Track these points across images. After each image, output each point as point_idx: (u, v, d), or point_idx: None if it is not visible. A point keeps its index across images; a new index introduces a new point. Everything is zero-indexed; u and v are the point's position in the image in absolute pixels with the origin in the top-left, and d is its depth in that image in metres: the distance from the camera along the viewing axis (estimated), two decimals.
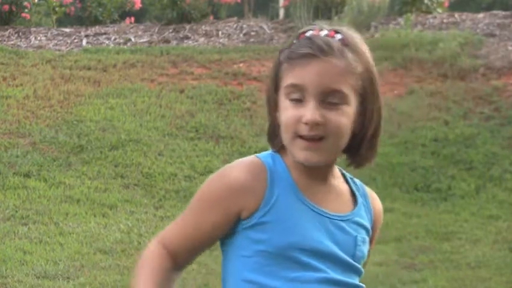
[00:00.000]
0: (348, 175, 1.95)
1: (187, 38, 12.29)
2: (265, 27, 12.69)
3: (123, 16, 14.05)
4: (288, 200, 1.81)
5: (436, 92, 10.39)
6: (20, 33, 12.55)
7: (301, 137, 1.79)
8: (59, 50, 11.80)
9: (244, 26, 12.84)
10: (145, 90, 10.40)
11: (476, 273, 6.51)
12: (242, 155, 9.00)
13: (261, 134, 9.52)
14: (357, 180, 1.96)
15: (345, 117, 1.80)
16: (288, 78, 1.81)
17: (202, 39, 12.27)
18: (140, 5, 14.07)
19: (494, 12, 13.12)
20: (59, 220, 7.31)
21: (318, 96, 1.78)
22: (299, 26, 12.19)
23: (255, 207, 1.79)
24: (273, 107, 1.87)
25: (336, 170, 1.90)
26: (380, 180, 8.75)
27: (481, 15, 12.87)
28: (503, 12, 12.89)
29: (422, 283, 6.25)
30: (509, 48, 11.38)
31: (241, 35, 12.50)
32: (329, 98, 1.79)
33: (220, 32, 12.56)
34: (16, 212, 7.44)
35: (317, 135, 1.78)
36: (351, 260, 1.85)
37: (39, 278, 5.94)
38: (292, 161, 1.83)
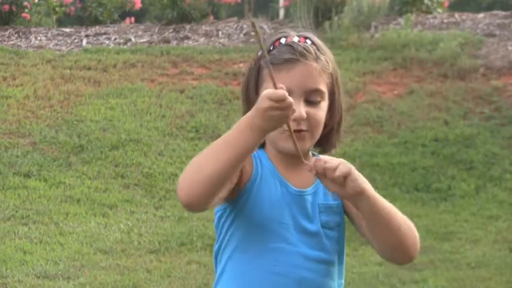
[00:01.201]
0: (316, 154, 2.16)
1: (187, 38, 12.29)
2: (265, 27, 12.69)
3: (123, 16, 14.06)
4: (269, 181, 2.05)
5: (436, 92, 10.40)
6: (20, 33, 12.55)
7: (287, 130, 1.97)
8: (59, 50, 11.80)
9: (244, 26, 12.84)
10: (145, 90, 10.40)
11: (476, 273, 6.51)
12: None
13: None
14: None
15: (323, 112, 2.06)
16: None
17: (202, 39, 12.27)
18: (140, 5, 14.07)
19: (494, 12, 13.12)
20: (59, 220, 7.31)
21: (303, 96, 2.02)
22: (299, 26, 12.19)
23: (247, 176, 2.02)
24: (251, 104, 1.98)
25: (309, 155, 2.12)
26: (380, 180, 8.75)
27: (481, 15, 12.88)
28: (503, 12, 12.90)
29: (422, 283, 6.25)
30: (509, 48, 11.38)
31: (241, 35, 12.50)
32: (311, 97, 2.03)
33: (220, 32, 12.56)
34: (16, 212, 7.44)
35: (302, 129, 2.02)
36: (320, 228, 2.06)
37: (39, 278, 5.95)
38: (271, 152, 2.08)
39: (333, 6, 12.13)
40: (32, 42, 12.19)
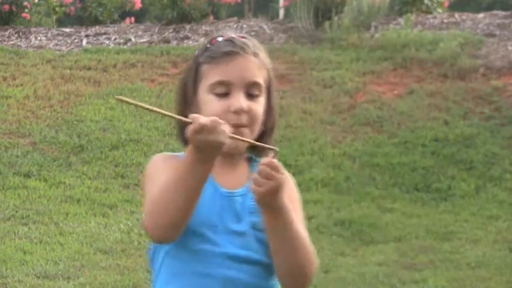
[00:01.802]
0: (254, 158, 2.15)
1: (187, 38, 12.29)
2: (265, 27, 12.69)
3: (123, 16, 14.05)
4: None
5: (436, 92, 10.39)
6: (20, 33, 12.55)
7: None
8: (59, 50, 11.80)
9: (244, 26, 12.84)
10: (145, 90, 10.40)
11: (476, 273, 6.51)
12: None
13: None
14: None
15: (261, 107, 2.07)
16: (213, 76, 2.04)
17: (202, 39, 12.26)
18: (140, 5, 14.06)
19: (494, 12, 13.12)
20: (59, 220, 7.31)
21: (243, 89, 2.04)
22: (299, 26, 12.20)
23: None
24: (188, 104, 2.08)
25: (244, 156, 2.12)
26: (380, 180, 8.75)
27: (481, 15, 12.87)
28: (503, 12, 12.89)
29: (422, 283, 6.25)
30: (509, 48, 11.38)
31: None
32: (251, 90, 2.05)
33: (220, 32, 12.56)
34: (16, 212, 7.44)
35: (243, 123, 2.02)
36: (249, 229, 2.03)
37: (39, 278, 5.95)
38: None
39: (333, 6, 12.12)
40: (32, 42, 12.19)
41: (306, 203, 8.36)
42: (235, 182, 2.06)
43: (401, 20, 12.39)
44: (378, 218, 7.84)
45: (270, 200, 1.92)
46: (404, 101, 10.24)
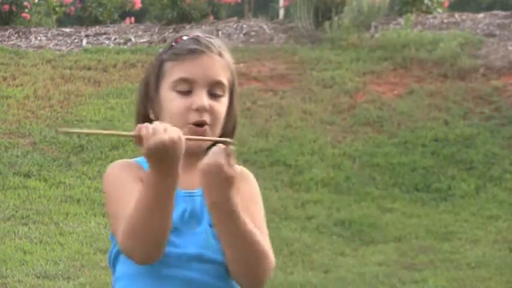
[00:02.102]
0: None
1: None
2: (265, 27, 12.69)
3: (123, 16, 14.05)
4: None
5: (436, 92, 10.39)
6: (20, 33, 12.55)
7: (189, 124, 2.00)
8: (59, 50, 11.80)
9: (244, 26, 12.84)
10: None
11: (476, 273, 6.51)
12: (242, 155, 9.00)
13: (261, 134, 9.53)
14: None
15: (223, 107, 2.05)
16: (176, 73, 2.02)
17: None
18: (140, 5, 14.06)
19: (494, 12, 13.12)
20: (59, 220, 7.31)
21: (206, 87, 2.02)
22: (299, 26, 12.20)
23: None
24: (150, 102, 2.07)
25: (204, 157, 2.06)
26: (380, 180, 8.75)
27: (481, 15, 12.87)
28: (503, 12, 12.89)
29: (422, 283, 6.25)
30: (509, 48, 11.38)
31: (241, 35, 12.51)
32: (214, 89, 2.03)
33: (220, 32, 12.56)
34: (16, 212, 7.44)
35: (205, 122, 2.00)
36: (209, 229, 1.99)
37: (39, 278, 5.95)
38: None
39: (333, 6, 12.12)
40: (32, 42, 12.19)
41: (306, 203, 8.42)
42: (195, 181, 2.00)
43: (401, 20, 12.39)
44: (378, 218, 7.84)
45: (218, 199, 1.88)
46: (404, 101, 10.24)
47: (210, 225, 2.00)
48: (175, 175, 1.86)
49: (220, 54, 2.05)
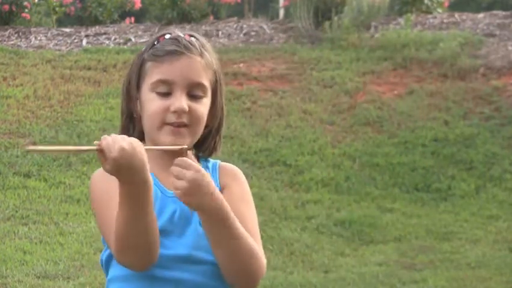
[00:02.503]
0: (203, 159, 2.13)
1: None
2: (265, 27, 12.69)
3: (123, 16, 14.05)
4: None
5: (436, 92, 10.39)
6: (20, 33, 12.55)
7: (167, 124, 2.00)
8: (59, 50, 11.80)
9: (244, 26, 12.84)
10: None
11: (476, 273, 6.51)
12: (242, 155, 9.00)
13: (261, 134, 9.53)
14: (212, 162, 2.14)
15: (205, 108, 2.04)
16: (156, 74, 2.02)
17: None
18: (140, 5, 14.06)
19: (494, 12, 13.12)
20: (59, 220, 7.31)
21: (185, 89, 2.01)
22: (299, 26, 12.20)
23: None
24: (132, 101, 2.07)
25: (190, 156, 2.06)
26: (380, 180, 8.75)
27: (481, 15, 12.87)
28: (503, 12, 12.89)
29: (422, 283, 6.25)
30: (509, 48, 11.38)
31: (241, 35, 12.51)
32: (194, 91, 2.02)
33: (220, 32, 12.56)
34: (16, 212, 7.44)
35: (183, 123, 2.00)
36: (199, 228, 1.98)
37: (39, 278, 5.95)
38: (151, 154, 1.98)
39: (333, 6, 12.12)
40: (32, 42, 12.19)
41: (306, 203, 8.42)
42: None
43: (401, 20, 12.39)
44: (378, 218, 7.84)
45: (196, 203, 1.88)
46: (404, 101, 10.24)
47: (201, 225, 2.00)
48: (145, 180, 1.85)
49: (201, 55, 2.03)
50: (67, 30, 12.83)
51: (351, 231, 7.58)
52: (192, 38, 2.06)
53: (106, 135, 1.87)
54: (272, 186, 8.47)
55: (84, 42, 12.25)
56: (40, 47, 11.98)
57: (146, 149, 1.90)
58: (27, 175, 8.32)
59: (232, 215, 1.93)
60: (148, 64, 2.04)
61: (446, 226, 7.73)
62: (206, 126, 2.07)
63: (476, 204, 8.33)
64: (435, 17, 12.79)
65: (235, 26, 12.84)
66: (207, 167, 2.10)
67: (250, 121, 9.77)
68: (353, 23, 11.81)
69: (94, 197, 2.06)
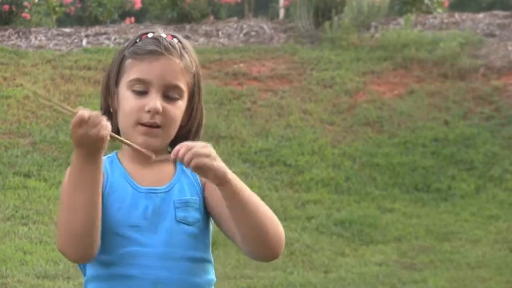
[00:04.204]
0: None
1: (187, 38, 12.29)
2: (265, 27, 12.69)
3: (123, 16, 14.05)
4: (120, 182, 2.03)
5: (436, 92, 10.40)
6: (20, 33, 12.55)
7: (141, 124, 2.02)
8: (59, 50, 11.80)
9: (244, 26, 12.84)
10: None
11: (476, 273, 6.51)
12: (242, 155, 9.00)
13: (261, 134, 9.53)
14: None
15: (179, 110, 2.05)
16: (133, 73, 2.04)
17: (202, 39, 12.27)
18: (140, 5, 14.06)
19: (494, 12, 13.12)
20: None
21: (161, 90, 2.02)
22: (299, 26, 12.20)
23: (102, 188, 2.00)
24: (111, 96, 2.09)
25: (166, 155, 2.04)
26: (380, 180, 8.75)
27: (481, 15, 12.87)
28: (503, 12, 12.89)
29: (422, 283, 6.25)
30: (509, 48, 11.38)
31: (241, 35, 12.51)
32: (170, 92, 2.03)
33: (220, 32, 12.56)
34: (16, 212, 7.44)
35: (156, 123, 2.01)
36: (176, 224, 2.00)
37: (39, 278, 5.95)
38: (126, 151, 2.07)
39: (333, 6, 12.12)
40: (32, 42, 12.19)
41: (306, 203, 8.41)
42: (158, 179, 2.04)
43: (401, 20, 12.39)
44: (378, 218, 7.84)
45: (223, 169, 1.90)
46: (404, 101, 10.24)
47: (179, 222, 2.01)
48: (95, 165, 1.89)
49: (180, 57, 2.05)
50: (67, 30, 12.83)
51: (351, 231, 7.58)
52: (174, 40, 2.09)
53: (92, 112, 1.89)
54: (272, 186, 8.47)
55: (84, 42, 12.25)
56: (40, 47, 11.98)
57: (117, 139, 1.96)
58: (27, 175, 8.32)
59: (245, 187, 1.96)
60: (128, 61, 2.07)
61: (446, 226, 7.73)
62: (183, 127, 2.09)
63: (476, 204, 8.33)
64: (435, 17, 12.79)
65: (235, 26, 12.84)
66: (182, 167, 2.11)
67: (250, 121, 9.77)
68: (353, 23, 11.81)
69: (62, 189, 2.05)
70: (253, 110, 10.03)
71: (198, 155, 1.87)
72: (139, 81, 2.03)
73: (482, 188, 8.67)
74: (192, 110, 2.10)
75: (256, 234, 1.96)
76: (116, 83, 2.08)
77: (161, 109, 2.01)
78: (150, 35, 2.09)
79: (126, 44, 2.13)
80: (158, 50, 2.03)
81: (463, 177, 8.83)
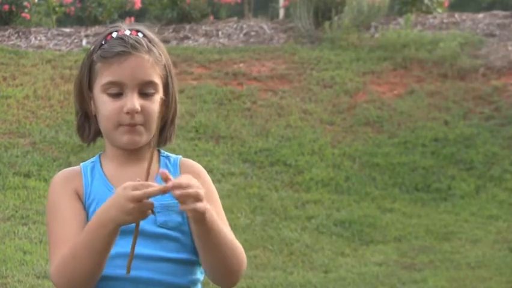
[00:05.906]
0: (165, 155, 2.16)
1: (187, 38, 12.29)
2: (265, 27, 12.69)
3: (123, 16, 14.04)
4: (99, 190, 2.05)
5: (436, 92, 10.40)
6: (20, 33, 12.55)
7: (122, 125, 2.03)
8: (59, 50, 11.80)
9: (244, 26, 12.84)
10: None
11: (476, 273, 6.51)
12: (242, 155, 9.00)
13: (261, 134, 9.53)
14: (173, 157, 2.17)
15: (157, 104, 2.02)
16: (106, 76, 2.03)
17: (202, 39, 12.27)
18: (140, 5, 14.06)
19: (494, 12, 13.12)
20: None
21: (136, 88, 2.02)
22: (299, 26, 12.20)
23: (81, 191, 2.05)
24: (86, 100, 2.08)
25: (148, 154, 2.01)
26: (380, 180, 8.75)
27: (481, 15, 12.88)
28: (503, 12, 12.90)
29: (422, 283, 6.25)
30: (509, 48, 11.38)
31: (241, 35, 12.51)
32: (145, 89, 2.03)
33: (220, 32, 12.56)
34: (16, 212, 7.44)
35: (136, 123, 2.02)
36: (157, 229, 2.02)
37: (39, 278, 5.95)
38: (108, 153, 2.09)
39: (333, 6, 12.13)
40: (32, 42, 12.19)
41: (306, 203, 8.41)
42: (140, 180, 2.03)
43: (401, 20, 12.40)
44: (378, 218, 7.84)
45: (198, 216, 1.90)
46: (404, 101, 10.24)
47: (160, 226, 2.02)
48: (117, 230, 1.91)
49: (148, 52, 2.05)
50: (67, 30, 12.83)
51: (351, 231, 7.58)
52: (139, 34, 2.08)
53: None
54: (272, 186, 8.47)
55: (84, 42, 12.25)
56: (40, 47, 11.98)
57: (107, 147, 2.01)
58: (27, 175, 8.32)
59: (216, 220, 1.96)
60: (98, 65, 2.05)
61: (446, 226, 7.73)
62: (162, 119, 2.08)
63: (476, 204, 8.33)
64: (435, 17, 12.79)
65: (235, 26, 12.84)
66: (167, 164, 2.14)
67: (250, 121, 9.77)
68: (353, 23, 11.81)
69: (50, 202, 2.07)
70: (253, 110, 10.03)
71: (184, 196, 1.86)
72: (112, 84, 2.02)
73: (482, 188, 8.67)
74: (167, 101, 2.09)
75: (216, 266, 2.00)
76: (90, 88, 2.07)
77: (139, 108, 2.01)
78: (115, 35, 2.06)
79: (92, 46, 2.09)
80: (126, 50, 2.02)
81: (462, 177, 8.83)
